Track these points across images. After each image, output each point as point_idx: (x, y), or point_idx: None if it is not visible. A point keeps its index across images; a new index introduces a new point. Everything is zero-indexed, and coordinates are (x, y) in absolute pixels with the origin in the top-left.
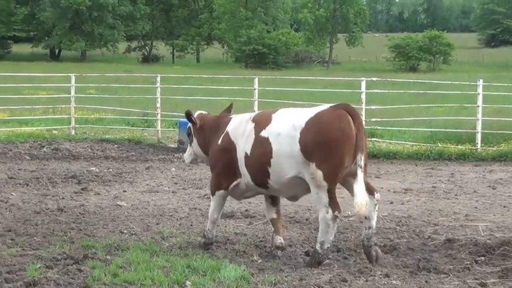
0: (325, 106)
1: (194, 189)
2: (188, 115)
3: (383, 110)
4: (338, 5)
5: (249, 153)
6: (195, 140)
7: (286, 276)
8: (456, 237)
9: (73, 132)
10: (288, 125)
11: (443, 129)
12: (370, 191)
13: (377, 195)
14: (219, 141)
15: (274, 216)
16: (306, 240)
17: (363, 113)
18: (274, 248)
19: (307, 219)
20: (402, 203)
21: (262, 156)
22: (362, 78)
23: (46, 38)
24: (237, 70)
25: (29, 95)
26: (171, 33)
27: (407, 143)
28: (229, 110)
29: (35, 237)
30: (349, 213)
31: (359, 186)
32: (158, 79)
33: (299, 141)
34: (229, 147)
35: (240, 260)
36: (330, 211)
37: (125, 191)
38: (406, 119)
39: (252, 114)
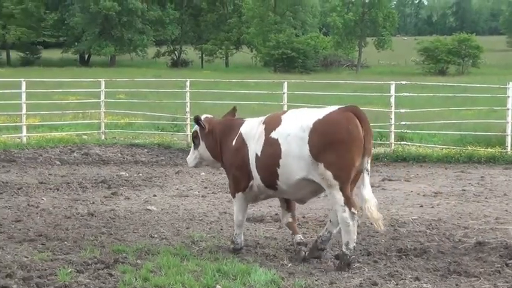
0: (333, 108)
1: (224, 193)
2: (197, 120)
3: (412, 113)
4: (367, 8)
5: (259, 154)
6: (202, 144)
7: (316, 280)
8: (486, 241)
9: (103, 137)
10: (296, 127)
11: (473, 132)
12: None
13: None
14: (233, 143)
15: (290, 220)
16: (335, 244)
17: (392, 116)
18: (297, 245)
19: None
20: (432, 206)
21: (271, 157)
22: (391, 82)
23: (76, 43)
24: (266, 74)
25: (58, 100)
26: (200, 37)
27: (437, 146)
28: (233, 113)
29: (65, 242)
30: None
31: (367, 190)
32: (187, 84)
33: (308, 143)
34: (242, 149)
35: (270, 264)
36: (347, 209)
37: (155, 196)
38: (436, 122)
39: (264, 117)
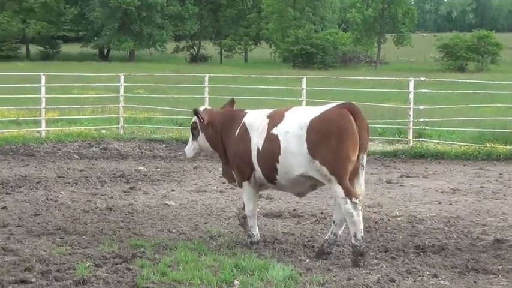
0: (331, 105)
1: None
2: (196, 112)
3: (431, 110)
4: (386, 4)
5: (260, 148)
6: (202, 135)
7: (334, 276)
8: (505, 238)
9: (121, 132)
10: (295, 124)
11: (492, 130)
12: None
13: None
14: (236, 133)
15: None
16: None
17: (411, 113)
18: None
19: None
20: (450, 203)
21: (271, 153)
22: (410, 78)
23: (95, 38)
24: (285, 70)
25: (78, 95)
26: (219, 33)
27: (456, 143)
28: (232, 104)
29: (84, 236)
30: (397, 213)
31: (358, 186)
32: (206, 79)
33: (306, 140)
34: (245, 139)
35: (288, 260)
36: (348, 200)
37: (173, 190)
38: (454, 119)
39: (270, 111)
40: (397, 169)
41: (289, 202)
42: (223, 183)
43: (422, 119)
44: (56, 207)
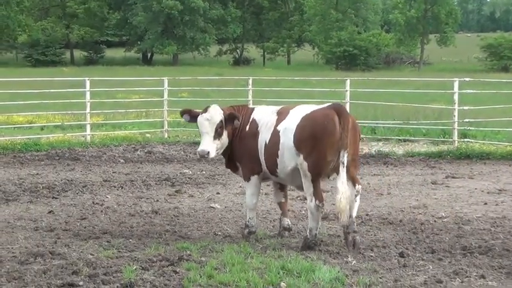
0: (321, 106)
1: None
2: (235, 117)
3: (476, 110)
4: (429, 5)
5: (267, 142)
6: (225, 133)
7: (380, 278)
8: None
9: (166, 135)
10: (291, 121)
11: None
12: (353, 182)
13: (358, 187)
14: (247, 129)
15: (283, 200)
16: (399, 242)
17: (456, 113)
18: (282, 229)
19: (400, 221)
20: (496, 204)
21: (274, 147)
22: (455, 79)
23: (138, 42)
24: (328, 72)
25: (122, 99)
26: (261, 35)
27: (501, 143)
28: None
29: (130, 239)
30: (443, 214)
31: (340, 182)
32: (250, 82)
33: (293, 135)
34: (255, 134)
35: (334, 262)
36: (314, 200)
37: (218, 193)
38: (500, 119)
39: (278, 107)
40: (442, 170)
41: (334, 204)
42: (268, 185)
43: (467, 120)
44: (102, 211)
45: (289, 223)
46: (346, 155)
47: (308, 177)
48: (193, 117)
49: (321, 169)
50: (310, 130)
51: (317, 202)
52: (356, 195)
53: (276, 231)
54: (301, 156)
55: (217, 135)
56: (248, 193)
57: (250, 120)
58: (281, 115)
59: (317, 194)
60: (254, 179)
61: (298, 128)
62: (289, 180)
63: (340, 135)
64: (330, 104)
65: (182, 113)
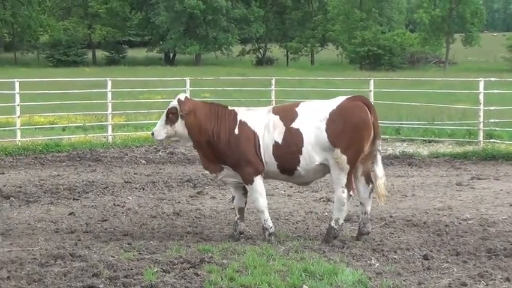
0: (341, 99)
1: (310, 193)
2: (180, 103)
3: (501, 110)
4: (454, 4)
5: (280, 142)
6: (181, 122)
7: (404, 280)
8: None
9: None
10: (314, 117)
11: None
12: (368, 180)
13: (371, 186)
14: (236, 131)
15: (243, 205)
16: (424, 244)
17: (481, 114)
18: (238, 233)
19: (424, 223)
20: None
21: (293, 146)
22: (480, 79)
23: (161, 42)
24: (352, 72)
25: (144, 100)
26: (285, 35)
27: None
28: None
29: (151, 241)
30: (468, 216)
31: (379, 168)
32: (273, 82)
33: (326, 131)
34: (252, 136)
35: (357, 264)
36: (346, 191)
37: None
38: None
39: (269, 108)
40: (467, 171)
41: (357, 206)
42: (291, 187)
43: (492, 120)
44: (123, 212)
45: (245, 227)
46: (380, 143)
47: (345, 170)
48: None
49: (357, 159)
50: (347, 123)
51: (350, 192)
52: (370, 193)
53: (298, 233)
54: (338, 150)
55: (170, 121)
56: (255, 196)
57: (238, 122)
58: (286, 114)
59: (350, 185)
60: (258, 179)
61: (330, 123)
62: (308, 176)
63: (374, 125)
64: (350, 96)
65: None
